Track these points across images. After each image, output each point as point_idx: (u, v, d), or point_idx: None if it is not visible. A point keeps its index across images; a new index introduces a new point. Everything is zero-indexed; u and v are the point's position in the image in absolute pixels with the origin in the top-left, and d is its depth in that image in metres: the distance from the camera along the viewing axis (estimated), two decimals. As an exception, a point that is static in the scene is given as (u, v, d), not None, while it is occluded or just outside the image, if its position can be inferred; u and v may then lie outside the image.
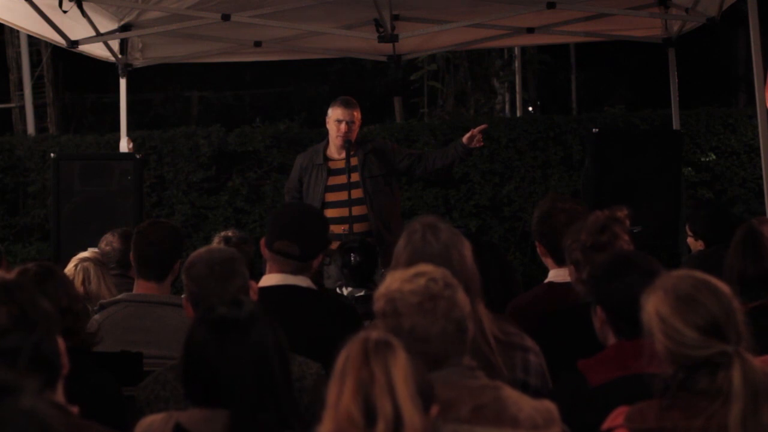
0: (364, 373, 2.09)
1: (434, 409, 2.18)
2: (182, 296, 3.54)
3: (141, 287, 4.26)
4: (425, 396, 2.14)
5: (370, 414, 2.07)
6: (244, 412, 2.51)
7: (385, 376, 2.09)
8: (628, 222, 3.81)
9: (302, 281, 3.98)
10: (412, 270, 2.58)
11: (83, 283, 4.88)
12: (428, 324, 2.50)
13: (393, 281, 2.56)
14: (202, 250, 3.45)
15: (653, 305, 2.47)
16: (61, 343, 2.43)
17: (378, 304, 2.55)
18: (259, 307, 2.67)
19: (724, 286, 2.49)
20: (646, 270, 2.96)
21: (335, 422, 2.09)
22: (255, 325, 2.59)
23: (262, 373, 2.54)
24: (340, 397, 2.10)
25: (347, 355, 2.14)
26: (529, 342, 3.14)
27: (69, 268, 4.96)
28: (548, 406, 2.56)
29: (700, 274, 2.51)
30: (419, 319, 2.50)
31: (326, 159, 6.66)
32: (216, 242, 4.84)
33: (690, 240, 5.89)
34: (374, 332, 2.20)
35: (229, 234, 5.01)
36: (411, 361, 2.14)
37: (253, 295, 3.34)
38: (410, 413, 2.08)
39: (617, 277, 3.03)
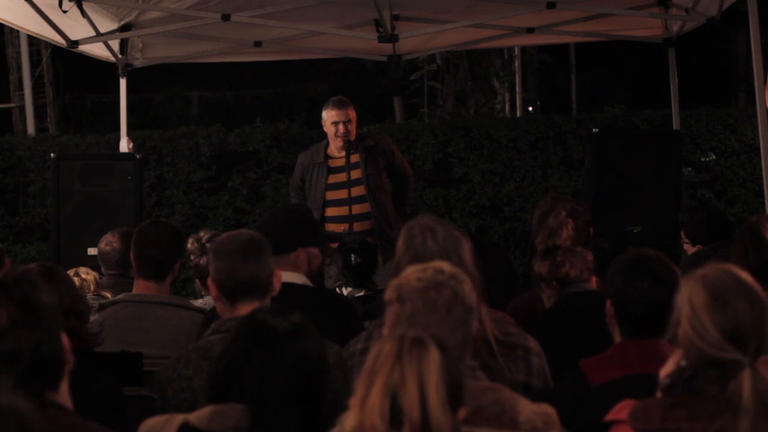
0: (395, 373, 2.06)
1: (462, 412, 2.14)
2: (181, 295, 3.53)
3: (140, 287, 4.26)
4: (455, 397, 2.10)
5: (396, 416, 2.04)
6: (264, 415, 2.49)
7: (417, 379, 2.06)
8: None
9: (298, 278, 3.99)
10: (426, 264, 2.60)
11: None
12: (428, 310, 2.49)
13: (405, 273, 2.58)
14: (231, 232, 3.50)
15: (689, 292, 2.46)
16: (65, 339, 2.42)
17: (387, 294, 2.56)
18: (307, 321, 2.64)
19: (762, 295, 2.47)
20: (661, 277, 2.97)
21: (359, 420, 2.07)
22: (293, 339, 2.56)
23: (288, 386, 2.51)
24: (367, 394, 2.07)
25: (379, 352, 2.11)
26: (532, 343, 3.13)
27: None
28: (547, 409, 2.56)
29: (745, 276, 2.48)
30: (420, 304, 2.49)
31: (327, 157, 6.66)
32: (190, 244, 4.78)
33: (687, 246, 5.90)
34: (411, 330, 2.16)
35: (200, 234, 4.95)
36: (445, 361, 2.10)
37: (277, 283, 3.36)
38: (439, 420, 2.04)
39: (630, 278, 3.04)
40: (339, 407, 2.78)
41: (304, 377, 2.53)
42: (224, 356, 2.61)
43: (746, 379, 2.34)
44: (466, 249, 3.02)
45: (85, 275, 5.08)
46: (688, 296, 2.46)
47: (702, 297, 2.43)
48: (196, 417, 2.55)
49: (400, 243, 3.05)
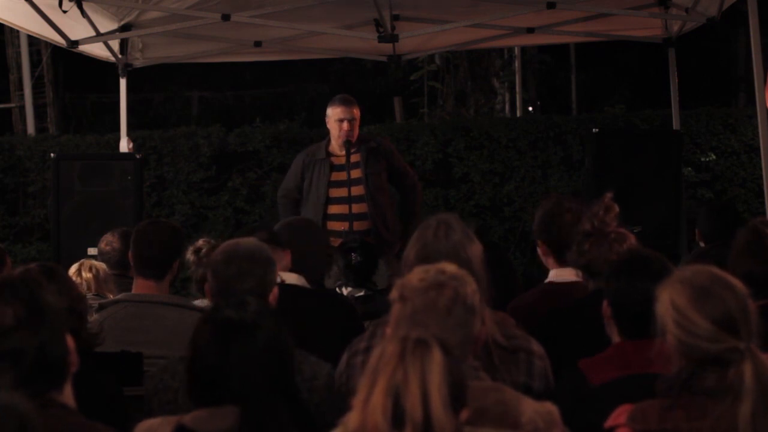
0: (398, 373, 2.06)
1: (464, 414, 2.15)
2: (183, 295, 3.52)
3: (140, 287, 4.26)
4: (457, 398, 2.11)
5: (398, 416, 2.04)
6: (253, 409, 2.50)
7: (419, 379, 2.06)
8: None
9: (298, 279, 3.98)
10: (430, 265, 2.60)
11: None
12: (428, 310, 2.50)
13: (410, 274, 2.59)
14: (231, 241, 3.42)
15: (669, 296, 2.45)
16: (69, 340, 2.42)
17: (392, 293, 2.58)
18: (265, 306, 2.65)
19: (740, 284, 2.47)
20: (658, 275, 2.96)
21: (362, 419, 2.07)
22: (260, 327, 2.57)
23: (268, 374, 2.53)
24: (370, 394, 2.07)
25: (382, 352, 2.11)
26: (535, 345, 3.12)
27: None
28: (550, 408, 2.55)
29: (717, 270, 2.48)
30: (420, 304, 2.50)
31: (329, 154, 6.65)
32: (189, 253, 4.74)
33: (702, 246, 5.84)
34: (414, 331, 2.16)
35: (199, 244, 4.92)
36: (448, 362, 2.11)
37: (272, 299, 3.31)
38: (441, 420, 2.05)
39: (627, 277, 3.03)
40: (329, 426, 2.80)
41: (280, 361, 2.56)
42: (197, 361, 2.59)
43: (748, 363, 2.33)
44: (477, 251, 3.02)
45: (95, 268, 5.08)
46: (670, 300, 2.44)
47: (684, 296, 2.42)
48: (191, 419, 2.55)
49: (413, 236, 3.06)
